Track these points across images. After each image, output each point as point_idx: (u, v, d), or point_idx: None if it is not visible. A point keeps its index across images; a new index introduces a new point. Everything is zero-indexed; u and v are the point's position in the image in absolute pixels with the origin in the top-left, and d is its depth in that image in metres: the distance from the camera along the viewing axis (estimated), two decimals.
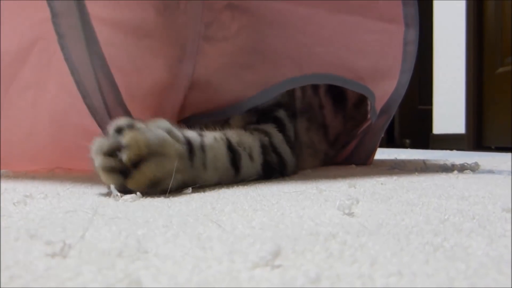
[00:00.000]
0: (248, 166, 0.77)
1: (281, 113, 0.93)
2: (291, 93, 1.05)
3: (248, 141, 0.79)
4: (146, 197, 0.59)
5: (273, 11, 0.93)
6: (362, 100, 1.27)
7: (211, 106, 0.93)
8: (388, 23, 1.05)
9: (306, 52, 0.97)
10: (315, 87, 1.20)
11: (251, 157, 0.78)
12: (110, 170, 0.59)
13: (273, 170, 0.84)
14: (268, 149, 0.83)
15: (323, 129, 1.20)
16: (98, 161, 0.60)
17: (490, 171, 1.05)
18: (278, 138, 0.87)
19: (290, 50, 0.96)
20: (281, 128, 0.89)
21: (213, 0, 0.89)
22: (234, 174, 0.74)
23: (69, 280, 0.27)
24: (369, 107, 1.26)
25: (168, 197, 0.59)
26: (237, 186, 0.72)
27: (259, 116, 0.90)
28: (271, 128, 0.88)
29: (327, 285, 0.26)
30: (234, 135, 0.78)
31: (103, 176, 0.60)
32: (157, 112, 0.92)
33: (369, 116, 1.20)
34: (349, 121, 1.28)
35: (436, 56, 3.51)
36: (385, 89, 1.13)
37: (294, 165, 0.92)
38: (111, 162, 0.59)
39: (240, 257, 0.32)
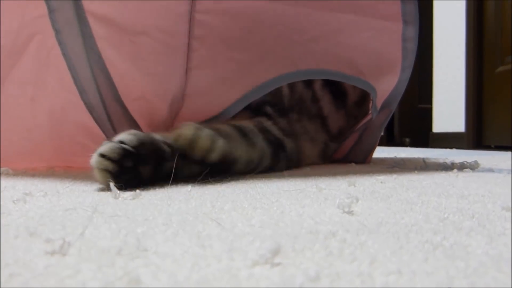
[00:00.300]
0: (257, 139, 0.88)
1: (269, 109, 1.02)
2: (278, 92, 1.09)
3: (245, 123, 0.91)
4: (145, 195, 0.59)
5: (264, 11, 0.94)
6: (364, 99, 1.28)
7: (209, 111, 0.94)
8: (385, 20, 1.06)
9: (300, 49, 0.98)
10: (307, 82, 1.22)
11: (252, 131, 0.89)
12: (103, 169, 0.66)
13: (276, 145, 0.94)
14: (263, 130, 0.93)
15: (320, 120, 1.22)
16: (94, 159, 0.67)
17: (490, 170, 1.05)
18: (267, 123, 0.97)
19: (283, 47, 0.97)
20: (270, 118, 0.99)
21: (202, 0, 0.89)
22: (252, 148, 0.86)
23: (69, 278, 0.27)
24: (370, 105, 1.26)
25: (168, 194, 0.59)
26: (237, 184, 0.72)
27: (251, 112, 0.98)
28: (261, 118, 0.97)
29: (327, 283, 0.26)
30: (231, 122, 0.89)
31: (96, 173, 0.67)
32: (157, 113, 0.93)
33: (370, 111, 1.21)
34: (350, 119, 1.28)
35: (436, 55, 3.51)
36: (386, 85, 1.14)
37: (293, 148, 1.00)
38: (104, 163, 0.66)
39: (239, 255, 0.32)
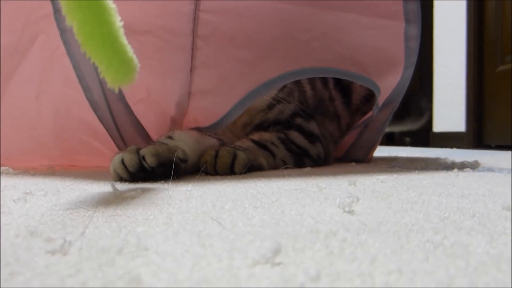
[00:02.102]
0: (276, 150, 0.98)
1: (298, 120, 1.09)
2: (302, 95, 1.14)
3: (266, 136, 1.00)
4: (146, 194, 0.59)
5: (267, 10, 0.94)
6: (372, 94, 1.29)
7: (215, 109, 0.95)
8: (387, 19, 1.06)
9: (303, 47, 0.99)
10: (324, 82, 1.25)
11: (274, 144, 0.99)
12: (118, 173, 0.75)
13: (297, 153, 1.03)
14: (286, 141, 1.02)
15: (336, 119, 1.29)
16: (115, 160, 0.76)
17: (490, 169, 1.05)
18: (293, 134, 1.05)
19: (287, 46, 0.98)
20: (301, 129, 1.07)
21: (208, 0, 0.90)
22: (273, 158, 0.96)
23: (69, 277, 0.27)
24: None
25: (169, 193, 0.59)
26: (237, 183, 0.72)
27: (283, 125, 1.07)
28: (288, 131, 1.05)
29: (327, 282, 0.26)
30: (255, 135, 1.00)
31: (112, 171, 0.76)
32: (164, 112, 0.93)
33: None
34: (357, 114, 1.31)
35: (437, 54, 3.50)
36: (388, 83, 1.14)
37: (319, 153, 1.09)
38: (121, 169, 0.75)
39: (240, 255, 0.32)
